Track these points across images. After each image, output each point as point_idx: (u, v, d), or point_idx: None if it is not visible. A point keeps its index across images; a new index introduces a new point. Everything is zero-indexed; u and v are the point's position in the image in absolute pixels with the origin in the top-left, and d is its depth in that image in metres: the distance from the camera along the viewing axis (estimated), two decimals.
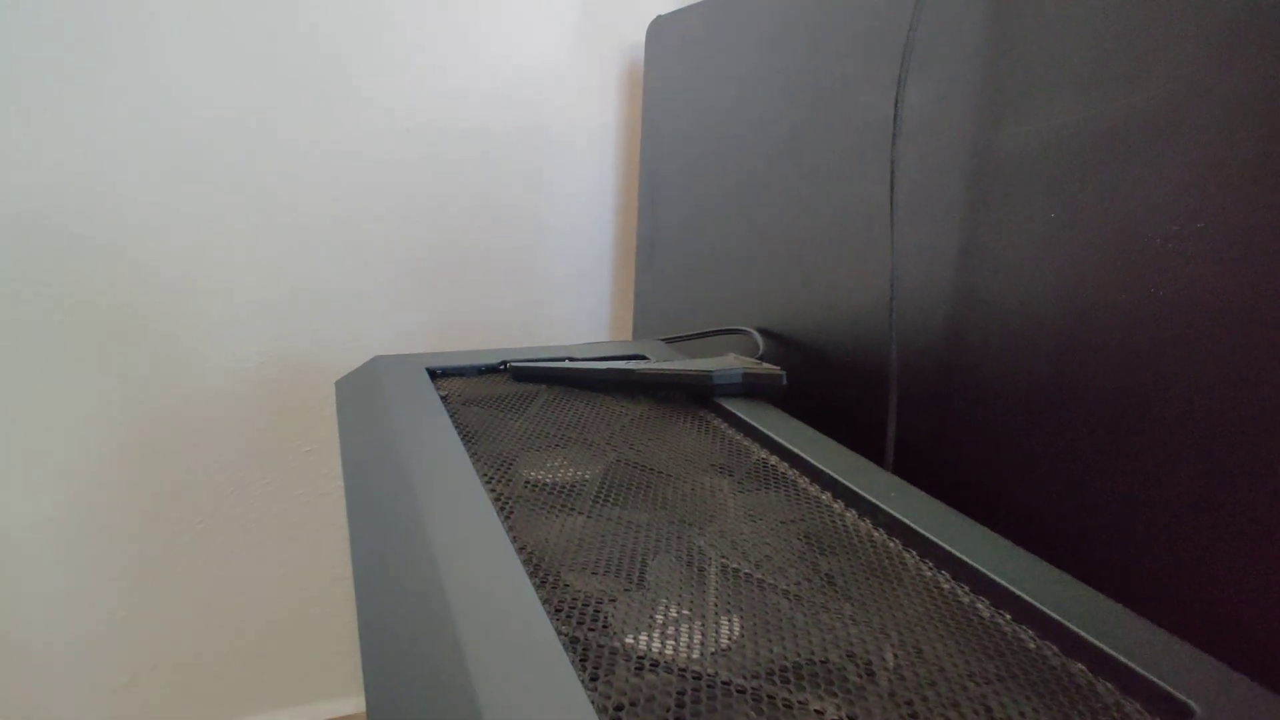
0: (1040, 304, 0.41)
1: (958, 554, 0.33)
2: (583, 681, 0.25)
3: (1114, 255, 0.37)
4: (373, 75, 0.78)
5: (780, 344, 0.61)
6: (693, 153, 0.73)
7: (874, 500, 0.37)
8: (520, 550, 0.34)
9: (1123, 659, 0.26)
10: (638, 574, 0.33)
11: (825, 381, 0.57)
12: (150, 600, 0.81)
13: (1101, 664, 0.27)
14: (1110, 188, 0.37)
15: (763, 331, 0.63)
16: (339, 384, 0.56)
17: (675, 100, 0.76)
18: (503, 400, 0.53)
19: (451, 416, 0.49)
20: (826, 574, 0.33)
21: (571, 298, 0.94)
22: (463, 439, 0.46)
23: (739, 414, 0.49)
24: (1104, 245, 0.37)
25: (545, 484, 0.41)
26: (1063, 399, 0.40)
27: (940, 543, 0.34)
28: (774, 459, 0.45)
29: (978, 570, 0.32)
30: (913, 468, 0.50)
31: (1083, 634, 0.28)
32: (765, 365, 0.51)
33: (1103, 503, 0.39)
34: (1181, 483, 0.36)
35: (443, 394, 0.53)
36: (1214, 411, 0.34)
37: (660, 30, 0.78)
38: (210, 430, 0.80)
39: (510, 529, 0.35)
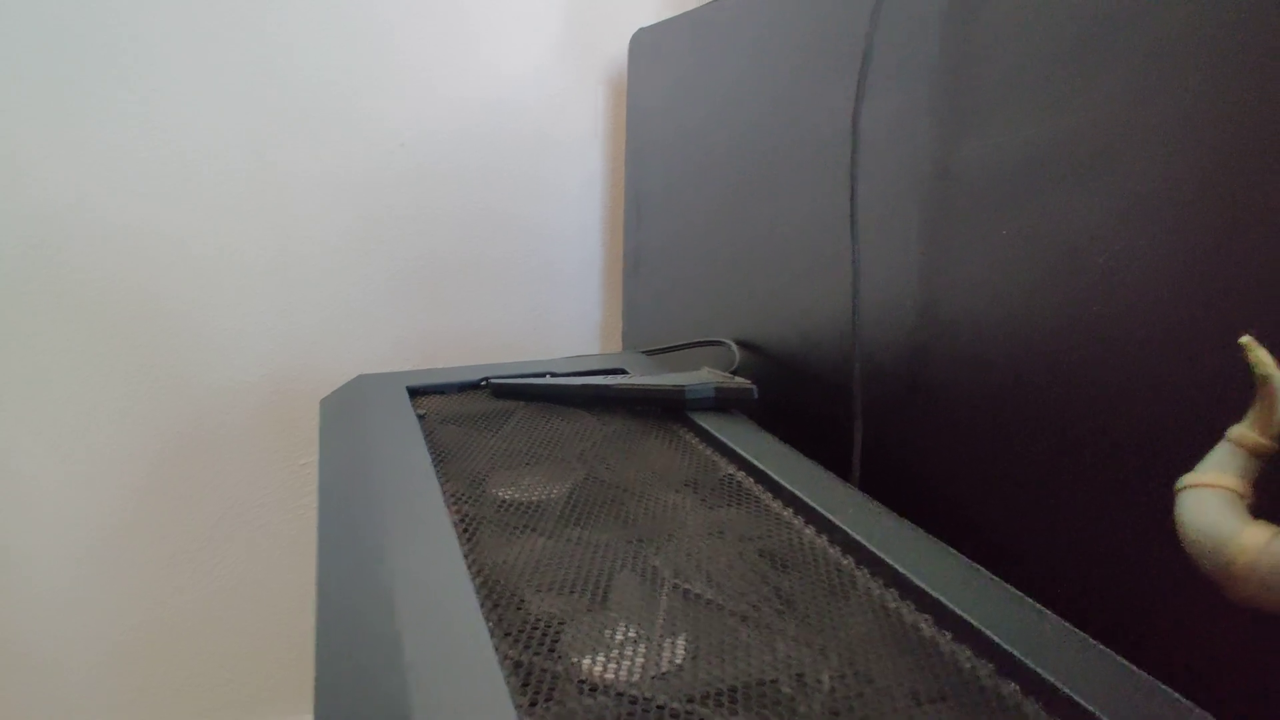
0: (995, 319, 0.41)
1: (905, 572, 0.33)
2: (519, 706, 0.26)
3: (1057, 274, 0.37)
4: (363, 89, 0.79)
5: (758, 355, 0.61)
6: (675, 164, 0.74)
7: (830, 517, 0.38)
8: (478, 574, 0.34)
9: (1050, 678, 0.27)
10: (593, 595, 0.33)
11: (798, 393, 0.58)
12: (159, 610, 0.83)
13: (1031, 684, 0.27)
14: (1053, 208, 0.37)
15: (741, 343, 0.63)
16: (323, 403, 0.58)
17: (658, 112, 0.77)
18: (480, 418, 0.54)
19: (427, 436, 0.50)
20: (779, 591, 0.34)
21: (565, 306, 0.95)
22: (436, 458, 0.47)
23: (710, 429, 0.49)
24: (1048, 263, 0.37)
25: (513, 503, 0.42)
26: (1018, 411, 0.41)
27: (890, 561, 0.34)
28: (740, 474, 0.45)
29: (922, 589, 0.32)
30: (880, 479, 0.51)
31: (1015, 653, 0.28)
32: (737, 379, 0.52)
33: (1056, 513, 0.39)
34: (1129, 498, 0.36)
35: (421, 413, 0.54)
36: (1154, 427, 0.34)
37: (642, 42, 0.78)
38: (213, 445, 0.81)
39: (471, 552, 0.36)
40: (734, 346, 0.62)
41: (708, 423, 0.50)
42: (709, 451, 0.48)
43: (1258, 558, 0.20)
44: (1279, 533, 0.21)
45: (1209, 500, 0.22)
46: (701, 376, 0.53)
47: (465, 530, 0.38)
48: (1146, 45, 0.34)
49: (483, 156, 0.86)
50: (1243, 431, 0.23)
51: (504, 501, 0.42)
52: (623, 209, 0.94)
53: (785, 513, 0.41)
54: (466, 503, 0.41)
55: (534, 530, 0.39)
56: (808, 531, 0.39)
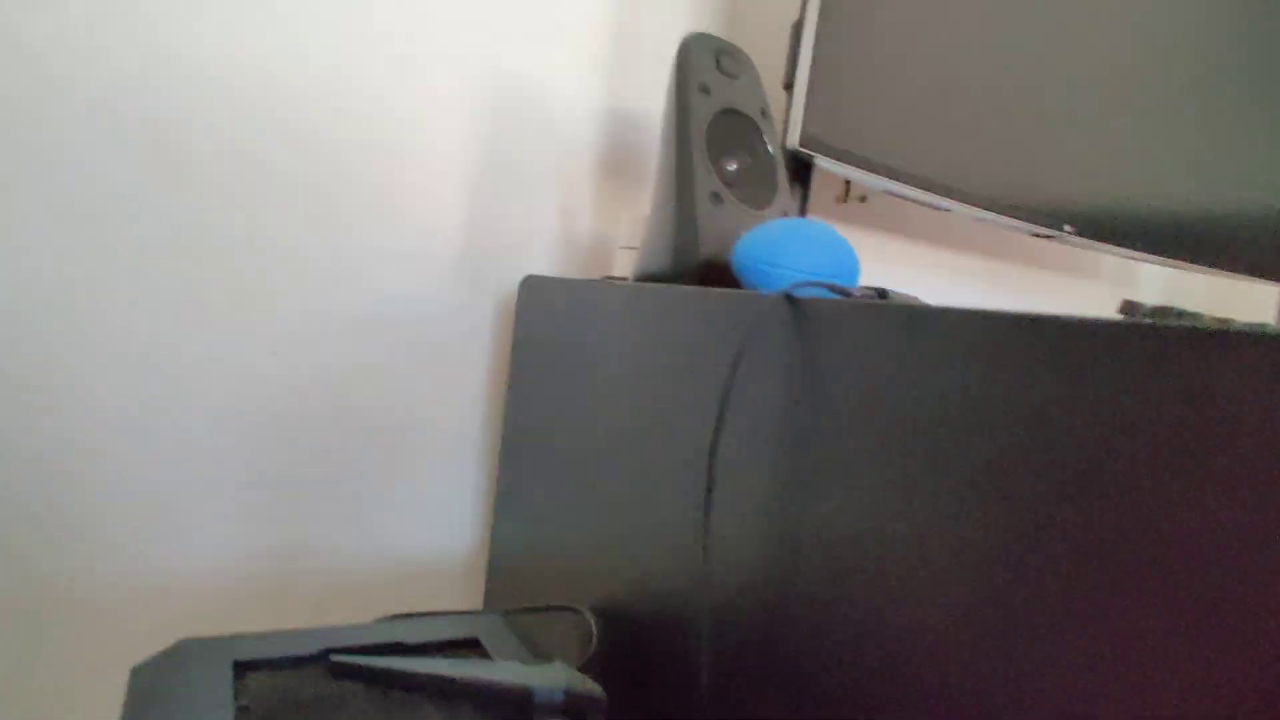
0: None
1: None
2: None
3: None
4: (252, 296, 0.78)
5: (617, 628, 0.61)
6: (549, 411, 0.75)
7: None
8: None
9: None
10: None
11: (655, 679, 0.57)
12: None
13: None
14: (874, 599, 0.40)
15: (599, 612, 0.62)
16: (133, 673, 0.52)
17: (538, 355, 0.79)
18: (311, 706, 0.50)
19: None
20: None
21: (436, 536, 0.92)
22: None
23: None
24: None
25: None
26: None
27: None
28: None
29: None
30: None
31: None
32: (589, 683, 0.51)
33: None
34: None
35: (243, 704, 0.49)
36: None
37: (531, 287, 0.82)
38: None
39: None
40: (590, 617, 0.61)
41: None
42: None
43: None
44: None
45: None
46: (553, 674, 0.51)
47: None
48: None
49: (371, 374, 0.85)
50: None
51: None
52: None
53: None
54: None
55: None
56: None
